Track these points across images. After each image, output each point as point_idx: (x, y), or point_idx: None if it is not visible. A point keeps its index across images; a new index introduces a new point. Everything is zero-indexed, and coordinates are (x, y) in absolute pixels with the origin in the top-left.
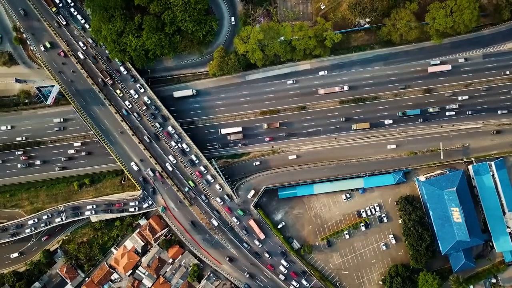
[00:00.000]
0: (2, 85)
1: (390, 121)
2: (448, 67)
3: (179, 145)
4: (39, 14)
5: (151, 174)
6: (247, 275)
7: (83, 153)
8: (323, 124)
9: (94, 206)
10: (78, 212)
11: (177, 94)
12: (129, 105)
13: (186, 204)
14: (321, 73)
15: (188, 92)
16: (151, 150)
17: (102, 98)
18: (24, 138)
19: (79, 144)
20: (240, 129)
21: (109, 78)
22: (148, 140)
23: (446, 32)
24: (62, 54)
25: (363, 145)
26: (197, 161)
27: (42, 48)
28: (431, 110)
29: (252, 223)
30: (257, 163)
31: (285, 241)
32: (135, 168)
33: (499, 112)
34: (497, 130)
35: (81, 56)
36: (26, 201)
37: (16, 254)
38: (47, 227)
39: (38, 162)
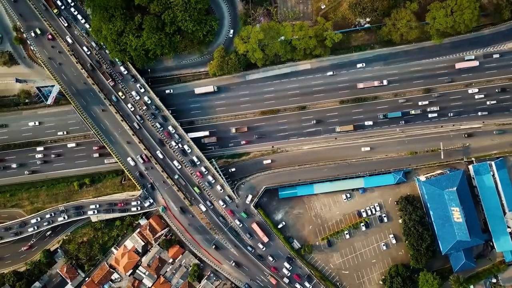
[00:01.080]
0: (2, 85)
1: (370, 123)
2: (475, 63)
3: (179, 145)
4: (39, 13)
5: (141, 161)
6: (233, 264)
7: (53, 156)
8: (323, 124)
9: (97, 206)
10: (81, 212)
11: (198, 90)
12: (131, 107)
13: (186, 204)
14: (359, 65)
15: (210, 89)
16: (152, 152)
17: (103, 98)
18: (65, 133)
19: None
20: (207, 133)
21: (111, 79)
22: (138, 127)
23: (446, 32)
24: (49, 37)
25: (344, 146)
26: (198, 162)
27: (33, 34)
28: (412, 112)
29: (255, 226)
30: (233, 169)
31: (285, 241)
32: (132, 163)
33: (479, 113)
34: (468, 133)
35: (69, 41)
36: (26, 201)
37: (49, 231)
38: (50, 225)
39: (14, 166)
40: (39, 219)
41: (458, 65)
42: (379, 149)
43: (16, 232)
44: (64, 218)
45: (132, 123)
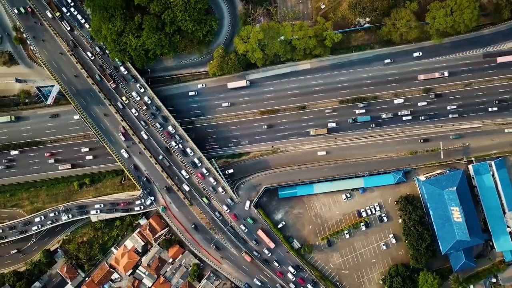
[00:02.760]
0: (2, 85)
1: (333, 125)
2: None
3: (179, 145)
4: (39, 13)
5: (123, 139)
6: (213, 247)
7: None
8: (323, 124)
9: (102, 206)
10: (84, 211)
11: (231, 85)
12: (135, 113)
13: (186, 203)
14: (415, 54)
15: (242, 83)
16: (156, 158)
17: (102, 98)
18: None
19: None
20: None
21: (112, 81)
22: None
23: (446, 32)
24: (29, 10)
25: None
26: (199, 164)
27: (16, 11)
28: (384, 116)
29: (260, 233)
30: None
31: (285, 240)
32: (125, 155)
33: (450, 116)
34: (424, 139)
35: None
36: (26, 200)
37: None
38: (54, 224)
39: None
40: (43, 217)
41: (500, 59)
42: (406, 146)
43: (21, 230)
44: (68, 217)
45: (140, 132)
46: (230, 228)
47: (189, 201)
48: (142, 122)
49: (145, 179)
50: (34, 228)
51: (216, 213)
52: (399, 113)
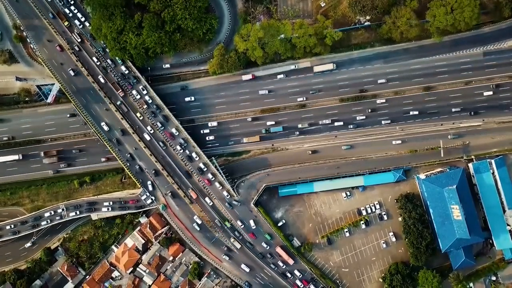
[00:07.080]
0: (3, 83)
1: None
2: None
3: (187, 151)
4: (43, 17)
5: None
6: (169, 194)
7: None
8: (323, 123)
9: (111, 203)
10: (92, 208)
11: (317, 68)
12: (151, 130)
13: (186, 202)
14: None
15: (329, 66)
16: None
17: (103, 96)
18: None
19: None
20: (17, 157)
21: (120, 90)
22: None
23: (446, 30)
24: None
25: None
26: (205, 169)
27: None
28: (300, 126)
29: (279, 250)
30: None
31: (286, 239)
32: (106, 128)
33: (383, 122)
34: (312, 150)
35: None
36: (27, 199)
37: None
38: (61, 220)
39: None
40: (52, 212)
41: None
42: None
43: (34, 224)
44: (76, 213)
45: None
46: (249, 244)
47: (189, 199)
48: (161, 143)
49: (150, 183)
50: (43, 223)
51: (236, 232)
52: (320, 122)
